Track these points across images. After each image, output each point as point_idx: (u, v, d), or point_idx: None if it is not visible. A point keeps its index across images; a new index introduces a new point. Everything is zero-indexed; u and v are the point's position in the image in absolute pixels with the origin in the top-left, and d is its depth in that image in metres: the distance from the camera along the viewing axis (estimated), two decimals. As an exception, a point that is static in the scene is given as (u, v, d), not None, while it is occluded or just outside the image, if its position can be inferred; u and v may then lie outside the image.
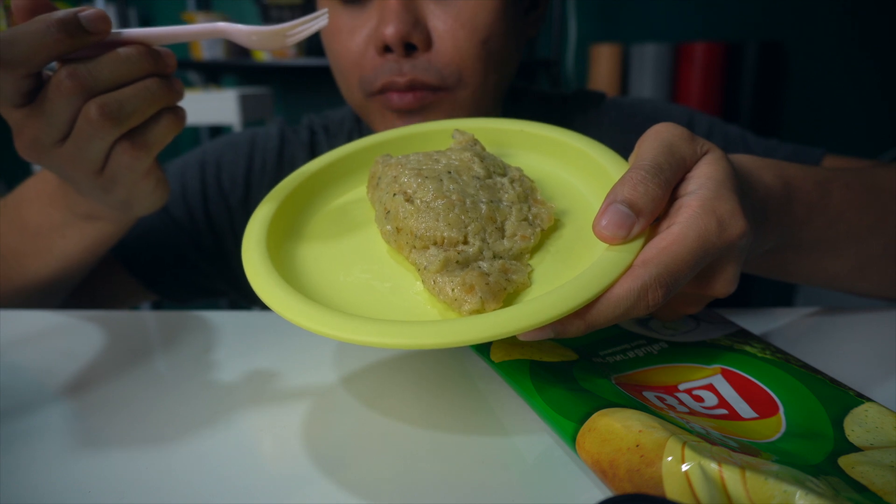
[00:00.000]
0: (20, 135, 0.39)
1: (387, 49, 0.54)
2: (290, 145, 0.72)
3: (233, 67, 2.33)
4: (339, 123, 0.73)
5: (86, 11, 0.35)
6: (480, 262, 0.33)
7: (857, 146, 2.25)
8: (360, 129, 0.72)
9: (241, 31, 0.39)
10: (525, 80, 2.23)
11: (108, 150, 0.40)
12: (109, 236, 0.54)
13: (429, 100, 0.56)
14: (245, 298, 0.75)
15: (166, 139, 0.41)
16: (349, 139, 0.71)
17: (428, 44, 0.55)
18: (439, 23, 0.54)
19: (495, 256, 0.34)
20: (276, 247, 0.37)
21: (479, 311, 0.30)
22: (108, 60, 0.37)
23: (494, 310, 0.30)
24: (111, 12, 1.98)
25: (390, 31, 0.52)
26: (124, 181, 0.43)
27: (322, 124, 0.74)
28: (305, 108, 2.39)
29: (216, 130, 2.35)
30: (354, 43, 0.56)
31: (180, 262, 0.69)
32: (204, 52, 2.11)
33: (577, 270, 0.33)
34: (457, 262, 0.33)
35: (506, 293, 0.32)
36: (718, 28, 2.19)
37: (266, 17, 2.11)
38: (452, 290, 0.31)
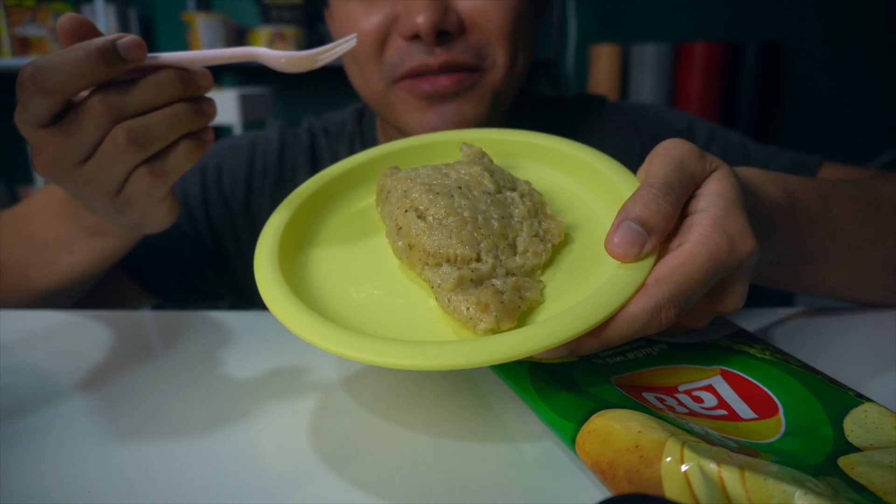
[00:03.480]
0: (41, 153, 0.39)
1: (416, 36, 0.53)
2: (291, 149, 0.72)
3: (233, 67, 2.33)
4: (340, 126, 0.73)
5: (123, 39, 0.35)
6: (494, 280, 0.33)
7: (856, 146, 2.25)
8: (361, 131, 0.72)
9: (271, 56, 0.39)
10: (525, 80, 2.23)
11: (127, 175, 0.39)
12: (116, 251, 0.54)
13: (467, 81, 0.55)
14: (245, 301, 0.75)
15: (185, 167, 0.40)
16: (350, 142, 0.71)
17: (461, 29, 0.53)
18: (468, 4, 0.53)
19: (508, 273, 0.34)
20: (286, 263, 0.37)
21: (494, 330, 0.31)
22: (140, 87, 0.36)
23: (509, 328, 0.31)
24: (111, 12, 1.98)
25: (422, 20, 0.50)
26: (139, 206, 0.42)
27: (322, 127, 0.73)
28: (305, 108, 2.39)
29: (216, 130, 2.35)
30: (371, 25, 0.54)
31: (181, 268, 0.69)
32: (204, 52, 2.11)
33: (588, 286, 0.33)
34: (470, 280, 0.33)
35: (520, 311, 0.32)
36: (718, 28, 2.19)
37: (266, 17, 2.10)
38: (467, 309, 0.31)
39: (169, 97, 0.37)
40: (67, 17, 0.36)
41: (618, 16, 2.22)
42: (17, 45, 2.00)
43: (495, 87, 0.56)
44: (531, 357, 0.29)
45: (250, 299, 0.74)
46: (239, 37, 2.13)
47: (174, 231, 0.68)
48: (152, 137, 0.37)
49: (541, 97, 0.73)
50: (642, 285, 0.31)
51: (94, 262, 0.54)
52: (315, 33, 2.14)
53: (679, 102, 2.09)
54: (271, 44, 2.04)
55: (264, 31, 2.04)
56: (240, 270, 0.71)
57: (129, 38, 0.35)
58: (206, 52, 0.38)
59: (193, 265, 0.70)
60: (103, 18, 1.88)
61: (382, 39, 0.55)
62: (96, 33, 0.36)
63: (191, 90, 0.38)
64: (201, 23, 2.00)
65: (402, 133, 0.58)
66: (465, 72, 0.55)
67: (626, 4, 2.21)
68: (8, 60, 1.96)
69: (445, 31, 0.53)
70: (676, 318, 0.31)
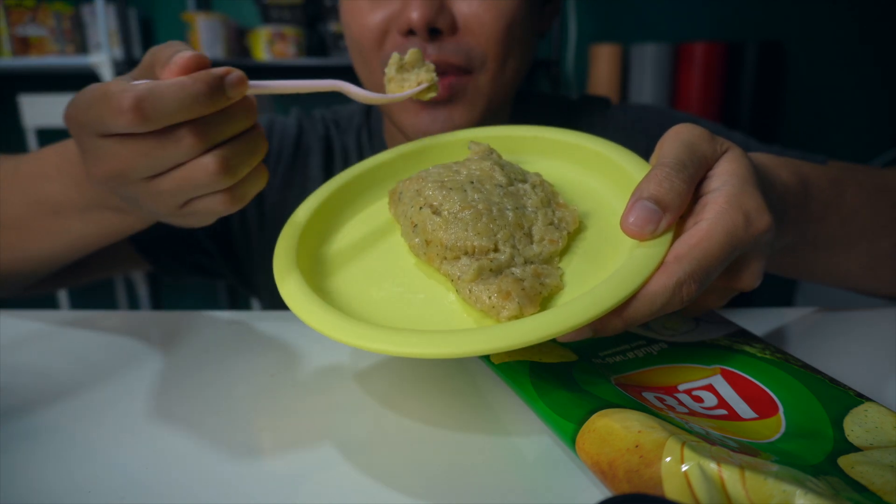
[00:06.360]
0: (101, 162, 0.36)
1: (411, 32, 0.54)
2: (307, 135, 0.72)
3: (233, 67, 2.32)
4: (349, 119, 0.74)
5: (230, 76, 0.34)
6: (513, 269, 0.34)
7: (857, 146, 2.25)
8: (368, 124, 0.73)
9: (359, 94, 0.41)
10: (525, 80, 2.22)
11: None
12: (132, 229, 0.51)
13: (458, 86, 0.56)
14: (244, 285, 0.75)
15: (258, 190, 0.39)
16: (357, 134, 0.72)
17: (453, 28, 0.55)
18: (464, 6, 0.54)
19: (526, 262, 0.34)
20: (305, 268, 0.37)
21: (517, 317, 0.31)
22: (229, 116, 0.35)
23: (532, 314, 0.31)
24: (111, 12, 1.98)
25: (416, 16, 0.52)
26: (199, 220, 0.41)
27: (332, 119, 0.75)
28: (305, 108, 2.38)
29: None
30: (374, 21, 0.56)
31: (183, 239, 0.69)
32: (204, 52, 2.11)
33: (606, 270, 0.34)
34: (490, 269, 0.33)
35: (541, 297, 0.32)
36: (718, 28, 2.19)
37: (266, 16, 2.10)
38: (489, 297, 0.32)
39: (246, 126, 0.36)
40: (192, 58, 0.34)
41: (618, 16, 2.22)
42: (17, 45, 2.00)
43: (484, 91, 0.57)
44: (556, 339, 0.30)
45: (248, 281, 0.74)
46: (239, 37, 2.13)
47: None
48: (240, 165, 0.36)
49: (545, 96, 0.73)
50: (661, 263, 0.31)
51: (105, 234, 0.52)
52: (315, 33, 2.14)
53: (679, 102, 2.09)
54: (271, 44, 2.04)
55: (264, 31, 2.04)
56: (242, 250, 0.71)
57: (235, 74, 0.34)
58: (295, 83, 0.37)
59: (197, 238, 0.69)
60: (103, 18, 1.88)
61: (383, 35, 0.56)
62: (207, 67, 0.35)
63: (254, 119, 0.37)
64: (201, 23, 1.99)
65: (400, 128, 0.59)
66: (454, 75, 0.56)
67: (626, 4, 2.21)
68: (8, 60, 1.96)
69: (437, 29, 0.54)
70: (697, 294, 0.31)
